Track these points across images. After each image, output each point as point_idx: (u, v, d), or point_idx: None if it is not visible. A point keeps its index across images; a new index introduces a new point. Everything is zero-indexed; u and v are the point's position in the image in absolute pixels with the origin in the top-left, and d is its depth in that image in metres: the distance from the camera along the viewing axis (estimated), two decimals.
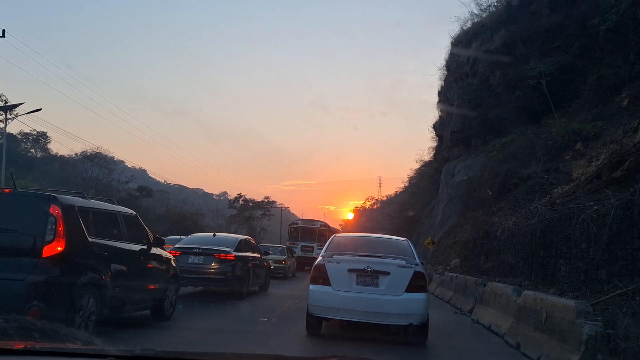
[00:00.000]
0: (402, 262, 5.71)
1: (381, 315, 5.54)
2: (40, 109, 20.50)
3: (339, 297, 5.55)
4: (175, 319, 6.48)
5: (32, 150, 55.47)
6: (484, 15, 33.17)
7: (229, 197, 63.34)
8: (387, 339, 6.15)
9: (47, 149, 55.11)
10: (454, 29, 48.76)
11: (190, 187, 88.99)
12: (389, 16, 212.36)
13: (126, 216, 5.95)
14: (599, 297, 5.61)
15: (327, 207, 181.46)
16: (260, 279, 11.07)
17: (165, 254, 6.82)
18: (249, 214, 56.13)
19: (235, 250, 9.72)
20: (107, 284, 5.07)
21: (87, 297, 4.76)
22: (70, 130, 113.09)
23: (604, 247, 6.12)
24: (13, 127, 55.48)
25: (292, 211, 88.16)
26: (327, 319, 5.90)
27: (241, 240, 10.59)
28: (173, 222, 38.12)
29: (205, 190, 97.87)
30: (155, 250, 6.36)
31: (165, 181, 72.63)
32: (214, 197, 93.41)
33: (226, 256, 9.42)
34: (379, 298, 5.51)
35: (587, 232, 6.56)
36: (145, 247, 6.10)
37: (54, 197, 4.76)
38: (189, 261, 9.25)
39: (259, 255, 11.18)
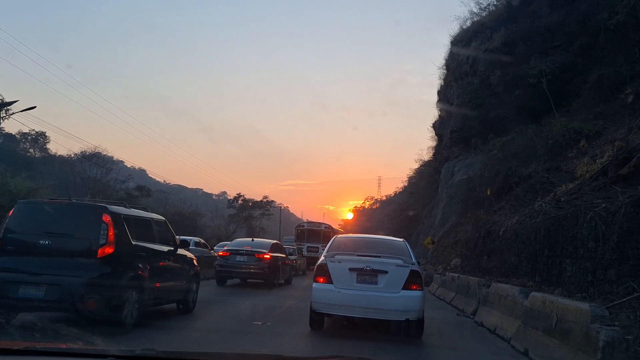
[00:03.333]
0: (400, 262, 5.95)
1: (380, 311, 5.78)
2: (34, 107, 20.19)
3: (341, 295, 5.81)
4: (176, 318, 6.67)
5: (31, 150, 55.09)
6: (484, 14, 32.99)
7: (229, 197, 63.15)
8: (387, 338, 6.21)
9: (46, 149, 54.74)
10: (454, 28, 48.61)
11: (189, 187, 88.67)
12: (389, 16, 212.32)
13: (157, 222, 6.87)
14: (608, 298, 5.39)
15: (327, 207, 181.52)
16: (286, 274, 13.88)
17: (188, 254, 7.69)
18: (247, 213, 55.93)
19: (270, 252, 12.43)
20: (146, 280, 5.86)
21: (131, 291, 5.58)
22: (69, 130, 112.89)
23: (613, 246, 5.89)
24: (12, 127, 55.25)
25: (291, 211, 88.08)
26: (329, 315, 6.17)
27: (273, 244, 13.51)
28: (171, 221, 37.60)
29: (205, 190, 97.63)
30: (180, 251, 7.20)
31: (164, 181, 72.28)
32: (214, 196, 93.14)
33: (263, 256, 12.14)
34: (378, 295, 5.77)
35: (595, 231, 6.33)
36: (172, 249, 6.94)
37: (105, 207, 5.63)
38: (236, 260, 12.03)
39: (284, 256, 13.95)
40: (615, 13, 16.24)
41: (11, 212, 5.68)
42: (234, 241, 14.78)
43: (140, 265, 5.82)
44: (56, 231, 5.44)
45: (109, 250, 5.33)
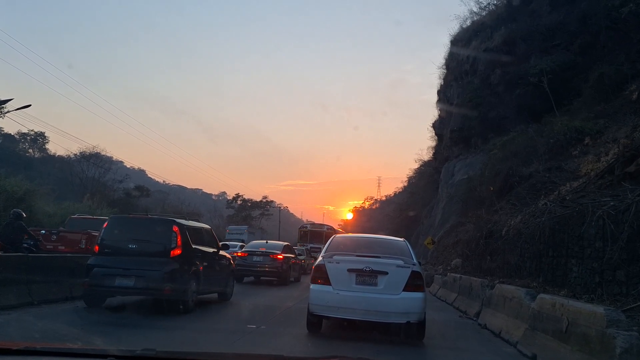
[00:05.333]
0: (400, 262, 5.78)
1: (380, 313, 5.60)
2: (29, 105, 19.92)
3: (339, 296, 5.63)
4: (175, 319, 6.95)
5: (30, 150, 54.86)
6: (484, 13, 32.80)
7: (228, 197, 63.02)
8: (387, 339, 6.09)
9: (45, 149, 54.48)
10: (454, 28, 48.43)
11: (189, 187, 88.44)
12: (389, 16, 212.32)
13: (205, 229, 8.70)
14: (617, 299, 5.17)
15: (327, 207, 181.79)
16: (296, 272, 15.62)
17: (226, 254, 9.37)
18: (247, 213, 55.78)
19: (282, 253, 14.06)
20: (201, 274, 7.56)
21: (192, 282, 7.28)
22: (69, 131, 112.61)
23: (622, 245, 5.67)
24: (11, 128, 55.02)
25: (291, 211, 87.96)
26: (328, 318, 5.98)
27: (285, 245, 15.18)
28: None
29: (205, 190, 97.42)
30: (221, 252, 8.93)
31: (164, 181, 72.25)
32: (213, 197, 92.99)
33: (277, 256, 13.73)
34: (378, 297, 5.58)
35: (603, 230, 6.12)
36: (216, 250, 8.59)
37: (174, 220, 7.47)
38: (253, 260, 13.56)
39: (294, 256, 15.67)
40: (627, 2, 15.88)
41: (105, 224, 7.56)
42: (250, 243, 16.44)
43: (197, 262, 7.53)
44: (139, 238, 7.20)
45: (178, 251, 7.06)
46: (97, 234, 11.89)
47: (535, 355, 4.82)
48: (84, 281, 6.90)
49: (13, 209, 10.80)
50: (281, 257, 13.83)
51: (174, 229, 7.10)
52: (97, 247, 7.30)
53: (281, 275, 13.69)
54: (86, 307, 6.95)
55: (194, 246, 7.46)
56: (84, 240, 11.53)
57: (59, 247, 11.44)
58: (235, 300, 9.21)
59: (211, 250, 8.33)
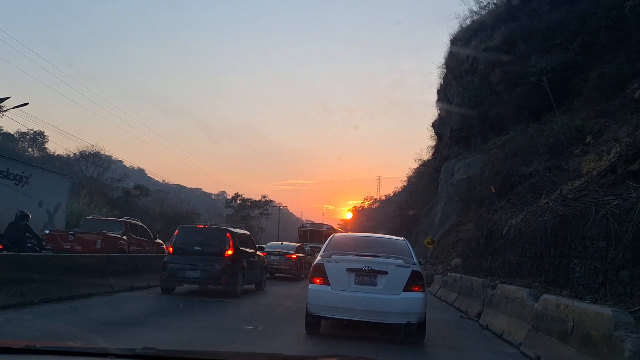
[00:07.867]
0: (400, 262, 5.67)
1: (379, 314, 5.51)
2: (27, 104, 19.83)
3: (338, 296, 5.54)
4: (176, 317, 7.17)
5: (30, 150, 54.67)
6: (484, 12, 32.74)
7: (227, 197, 62.96)
8: (386, 338, 6.00)
9: (45, 148, 54.28)
10: (454, 27, 48.26)
11: (188, 186, 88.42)
12: (389, 16, 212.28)
13: (246, 234, 11.32)
14: (621, 300, 5.08)
15: (326, 206, 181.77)
16: (306, 270, 17.09)
17: (261, 254, 11.78)
18: (246, 213, 55.71)
19: (295, 253, 16.24)
20: (245, 269, 9.76)
21: (240, 275, 9.46)
22: (69, 130, 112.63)
23: (627, 245, 5.59)
24: (11, 127, 54.86)
25: (290, 211, 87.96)
26: (326, 318, 5.88)
27: (297, 246, 17.47)
28: (168, 221, 37.37)
29: (204, 189, 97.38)
30: (258, 252, 11.23)
31: (163, 181, 72.20)
32: (212, 196, 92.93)
33: (291, 256, 15.90)
34: (377, 297, 5.49)
35: (607, 229, 6.03)
36: (253, 251, 10.88)
37: (227, 229, 9.92)
38: (271, 259, 15.17)
39: (304, 255, 17.82)
40: None
41: (176, 232, 9.78)
42: (268, 244, 18.28)
43: (243, 260, 9.71)
44: (202, 242, 9.43)
45: (230, 252, 9.23)
46: (111, 235, 12.57)
47: (539, 357, 4.71)
48: (161, 274, 9.07)
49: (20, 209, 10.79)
50: (295, 256, 15.85)
51: (227, 235, 9.38)
52: (170, 249, 9.50)
53: (294, 273, 15.66)
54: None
55: (240, 248, 9.65)
56: (99, 241, 11.77)
57: (76, 247, 11.59)
58: (236, 299, 9.45)
59: (251, 251, 10.60)
